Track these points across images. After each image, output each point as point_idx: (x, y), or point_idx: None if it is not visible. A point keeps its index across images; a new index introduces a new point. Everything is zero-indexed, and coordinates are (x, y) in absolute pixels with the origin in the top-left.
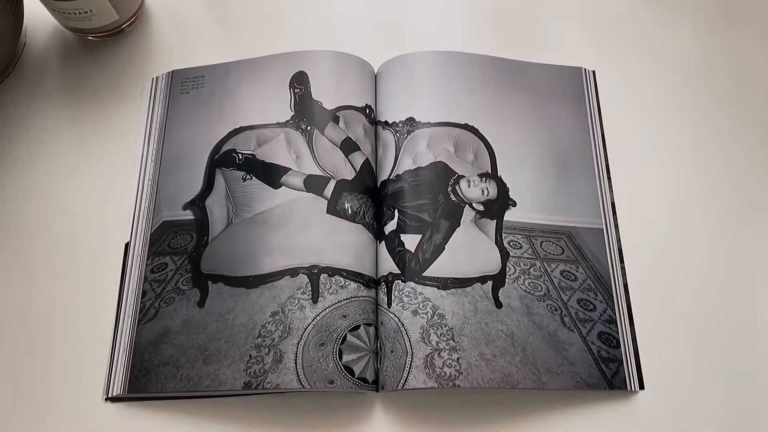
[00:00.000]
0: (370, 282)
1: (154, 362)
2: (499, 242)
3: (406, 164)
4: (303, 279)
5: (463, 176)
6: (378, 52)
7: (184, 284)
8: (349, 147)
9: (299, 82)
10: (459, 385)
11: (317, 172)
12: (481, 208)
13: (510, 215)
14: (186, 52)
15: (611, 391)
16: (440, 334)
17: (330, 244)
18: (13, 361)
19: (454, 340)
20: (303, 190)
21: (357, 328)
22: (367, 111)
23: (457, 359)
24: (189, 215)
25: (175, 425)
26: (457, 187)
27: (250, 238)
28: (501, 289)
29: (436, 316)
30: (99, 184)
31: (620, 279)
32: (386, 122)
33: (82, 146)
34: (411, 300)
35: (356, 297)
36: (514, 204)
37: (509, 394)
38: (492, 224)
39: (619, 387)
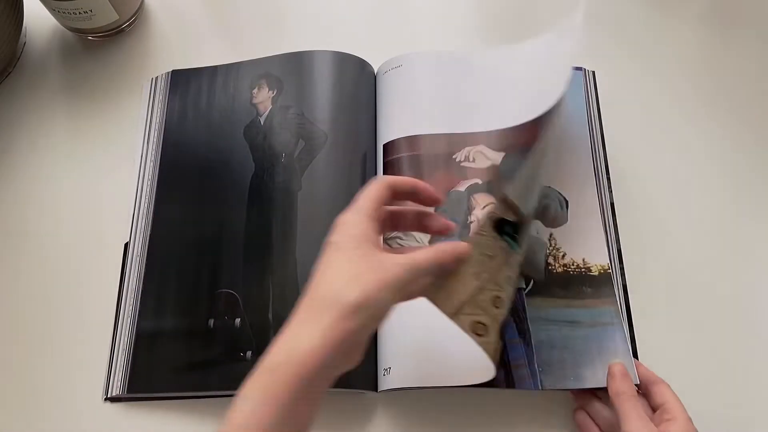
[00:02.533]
0: None
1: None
2: None
3: None
4: None
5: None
6: (378, 52)
7: None
8: None
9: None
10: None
11: None
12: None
13: None
14: (186, 52)
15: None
16: None
17: None
18: (13, 361)
19: None
20: None
21: None
22: None
23: None
24: None
25: (175, 425)
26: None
27: None
28: None
29: None
30: (99, 183)
31: (620, 279)
32: None
33: (82, 146)
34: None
35: None
36: None
37: (509, 394)
38: None
39: None
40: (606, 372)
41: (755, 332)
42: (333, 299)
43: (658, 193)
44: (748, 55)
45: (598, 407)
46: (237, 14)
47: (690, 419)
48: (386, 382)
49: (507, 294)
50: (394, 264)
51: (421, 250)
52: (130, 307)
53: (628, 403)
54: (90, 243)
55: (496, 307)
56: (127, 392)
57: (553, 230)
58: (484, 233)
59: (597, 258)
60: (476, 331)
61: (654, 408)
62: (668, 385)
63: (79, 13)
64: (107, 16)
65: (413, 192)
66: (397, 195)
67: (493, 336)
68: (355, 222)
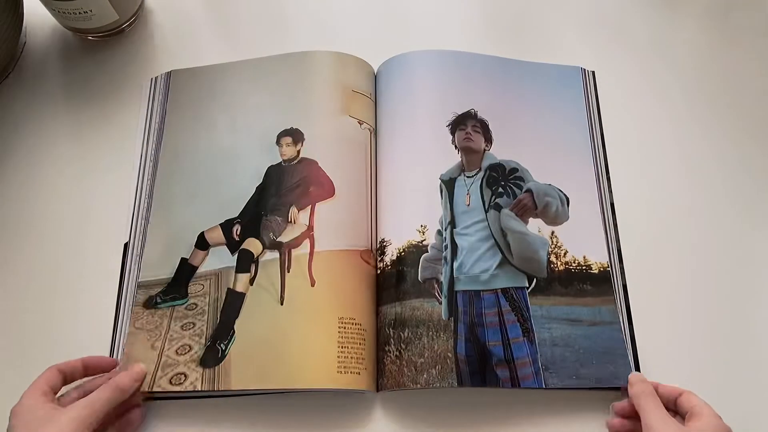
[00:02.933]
0: None
1: None
2: None
3: None
4: None
5: None
6: (378, 52)
7: None
8: None
9: None
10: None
11: None
12: None
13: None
14: (186, 52)
15: (611, 391)
16: None
17: None
18: (13, 361)
19: None
20: None
21: None
22: None
23: None
24: None
25: (174, 425)
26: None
27: None
28: None
29: None
30: (98, 183)
31: (619, 279)
32: None
33: (82, 146)
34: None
35: None
36: None
37: (509, 394)
38: None
39: (618, 387)
40: (605, 371)
41: (755, 330)
42: None
43: (658, 193)
44: (749, 55)
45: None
46: (237, 14)
47: (718, 416)
48: None
49: (193, 333)
50: (68, 421)
51: (98, 392)
52: (130, 307)
53: (646, 399)
54: (90, 243)
55: (182, 354)
56: None
57: (554, 228)
58: (139, 319)
59: (597, 256)
60: (177, 382)
61: (684, 417)
62: (692, 393)
63: (79, 13)
64: (107, 16)
65: (85, 367)
66: (70, 376)
67: (194, 374)
68: (24, 404)
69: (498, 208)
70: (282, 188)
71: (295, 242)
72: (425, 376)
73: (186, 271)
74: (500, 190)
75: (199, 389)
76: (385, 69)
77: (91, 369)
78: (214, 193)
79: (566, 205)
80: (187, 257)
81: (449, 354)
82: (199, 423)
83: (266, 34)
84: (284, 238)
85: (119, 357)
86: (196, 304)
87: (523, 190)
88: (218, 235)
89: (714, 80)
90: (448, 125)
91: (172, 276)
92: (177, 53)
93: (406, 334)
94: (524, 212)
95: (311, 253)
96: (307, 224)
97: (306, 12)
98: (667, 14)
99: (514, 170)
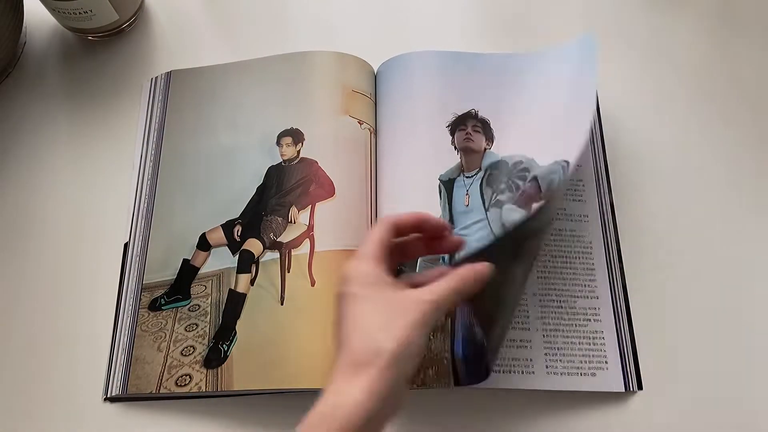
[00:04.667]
0: None
1: None
2: None
3: None
4: None
5: None
6: (378, 52)
7: None
8: None
9: None
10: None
11: None
12: None
13: None
14: (186, 52)
15: (610, 392)
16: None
17: None
18: (13, 361)
19: None
20: None
21: None
22: None
23: None
24: None
25: (174, 425)
26: None
27: None
28: None
29: None
30: (98, 183)
31: (619, 279)
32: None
33: (82, 146)
34: None
35: None
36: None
37: (509, 394)
38: None
39: (617, 388)
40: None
41: (757, 332)
42: (370, 352)
43: (658, 194)
44: (749, 55)
45: None
46: (237, 14)
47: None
48: None
49: (196, 334)
50: (418, 302)
51: (442, 281)
52: (130, 307)
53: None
54: (90, 243)
55: (186, 355)
56: (127, 392)
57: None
58: (145, 322)
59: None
60: (183, 383)
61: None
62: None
63: (79, 13)
64: (107, 16)
65: (418, 226)
66: (401, 232)
67: (198, 375)
68: (367, 270)
69: (500, 205)
70: (282, 188)
71: (296, 242)
72: (422, 376)
73: (188, 272)
74: (503, 186)
75: (204, 390)
76: (385, 69)
77: (426, 229)
78: (215, 193)
79: (566, 170)
80: (189, 258)
81: (446, 354)
82: (199, 422)
83: (266, 35)
84: (284, 238)
85: (119, 358)
86: (198, 305)
87: (529, 180)
88: (219, 236)
89: (716, 80)
90: (448, 126)
91: (175, 277)
92: (177, 53)
93: None
94: (528, 200)
95: (311, 253)
96: (307, 224)
97: (306, 12)
98: (667, 14)
99: (519, 162)
